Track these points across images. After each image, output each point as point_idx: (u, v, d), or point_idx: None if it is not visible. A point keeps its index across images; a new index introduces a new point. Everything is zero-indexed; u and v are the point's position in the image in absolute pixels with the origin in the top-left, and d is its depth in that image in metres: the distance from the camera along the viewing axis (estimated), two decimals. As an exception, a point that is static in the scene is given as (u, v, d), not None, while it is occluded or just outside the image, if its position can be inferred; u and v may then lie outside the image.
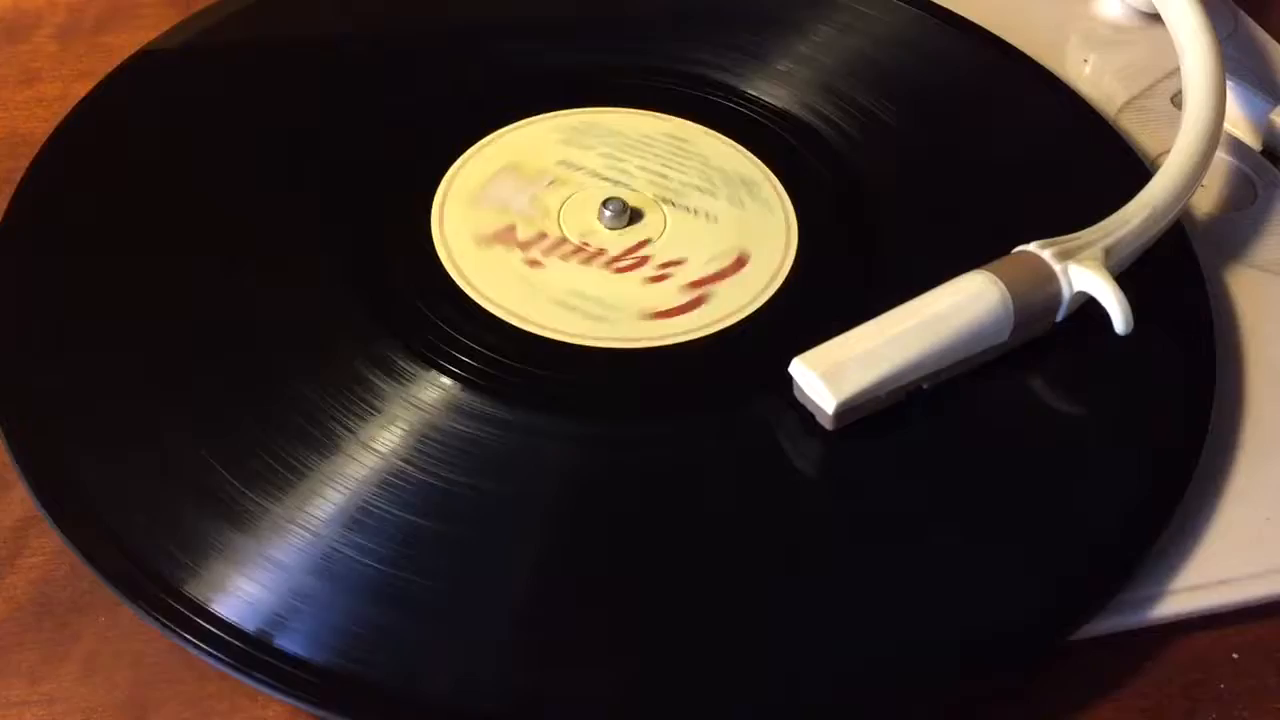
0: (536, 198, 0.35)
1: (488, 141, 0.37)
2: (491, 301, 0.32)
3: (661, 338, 0.32)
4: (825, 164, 0.37)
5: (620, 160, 0.36)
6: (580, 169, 0.36)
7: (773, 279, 0.33)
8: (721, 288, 0.33)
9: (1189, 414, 0.31)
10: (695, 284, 0.33)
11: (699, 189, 0.36)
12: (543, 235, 0.34)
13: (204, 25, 0.40)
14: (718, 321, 0.32)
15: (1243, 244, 0.37)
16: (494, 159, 0.36)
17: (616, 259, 0.34)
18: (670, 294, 0.33)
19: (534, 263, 0.33)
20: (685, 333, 0.32)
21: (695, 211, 0.35)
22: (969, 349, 0.30)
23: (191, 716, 0.27)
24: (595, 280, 0.33)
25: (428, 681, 0.26)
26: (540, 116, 0.38)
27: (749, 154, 0.37)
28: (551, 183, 0.36)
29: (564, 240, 0.34)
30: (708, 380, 0.31)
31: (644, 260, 0.34)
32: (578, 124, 0.37)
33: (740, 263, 0.34)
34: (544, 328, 0.32)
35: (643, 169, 0.36)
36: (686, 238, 0.35)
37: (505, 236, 0.34)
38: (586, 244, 0.34)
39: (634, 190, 0.36)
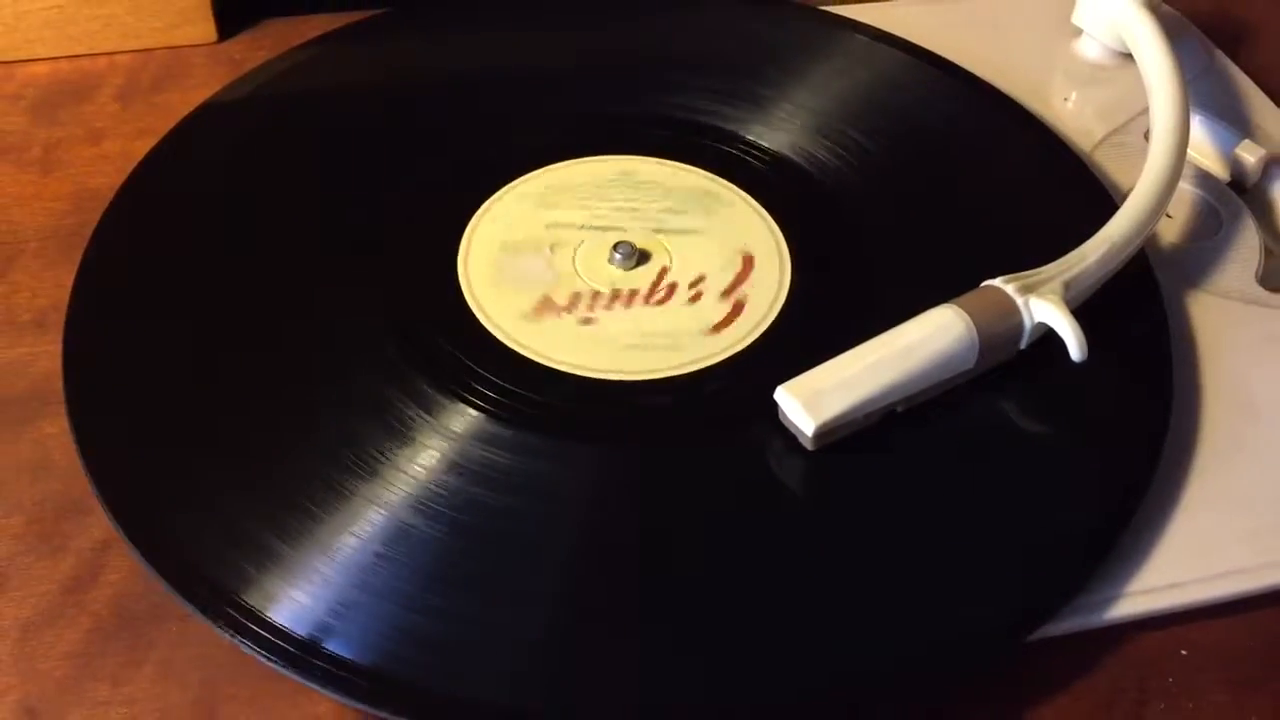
0: (551, 262, 0.37)
1: (486, 208, 0.39)
2: (576, 365, 0.34)
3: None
4: (809, 202, 0.39)
5: (595, 206, 0.39)
6: (568, 226, 0.38)
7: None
8: (750, 289, 0.36)
9: (1146, 433, 0.33)
10: (727, 291, 0.36)
11: (673, 211, 0.38)
12: (577, 295, 0.36)
13: (255, 84, 0.42)
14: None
15: (1206, 272, 0.39)
16: (491, 234, 0.38)
17: (651, 293, 0.36)
18: (714, 307, 0.36)
19: (587, 320, 0.35)
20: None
21: (684, 231, 0.38)
22: (938, 376, 0.32)
23: (254, 713, 0.29)
24: (649, 317, 0.36)
25: (461, 682, 0.28)
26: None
27: (708, 174, 0.40)
28: (554, 246, 0.37)
29: (599, 293, 0.36)
30: (706, 411, 0.34)
31: (674, 286, 0.36)
32: (548, 184, 0.39)
33: (750, 262, 0.36)
34: (624, 371, 0.34)
35: (617, 209, 0.39)
36: (694, 256, 0.37)
37: (548, 307, 0.36)
38: (619, 290, 0.36)
39: (627, 229, 0.38)
